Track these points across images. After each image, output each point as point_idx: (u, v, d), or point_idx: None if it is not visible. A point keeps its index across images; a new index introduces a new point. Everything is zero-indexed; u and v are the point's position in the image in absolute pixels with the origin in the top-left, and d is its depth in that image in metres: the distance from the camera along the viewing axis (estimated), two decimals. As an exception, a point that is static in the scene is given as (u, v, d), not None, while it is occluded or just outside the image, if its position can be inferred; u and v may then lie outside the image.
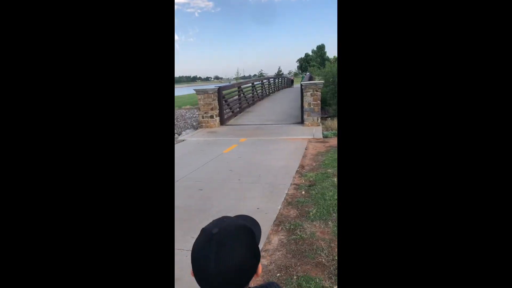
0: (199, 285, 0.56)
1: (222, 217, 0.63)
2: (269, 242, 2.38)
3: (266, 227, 2.56)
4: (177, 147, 6.06)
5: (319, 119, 7.45)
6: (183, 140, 6.76)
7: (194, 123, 14.23)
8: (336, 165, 4.05)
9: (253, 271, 0.57)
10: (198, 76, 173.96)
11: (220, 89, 8.39)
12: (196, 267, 0.55)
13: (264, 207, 2.96)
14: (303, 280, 1.93)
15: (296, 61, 66.90)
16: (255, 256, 0.58)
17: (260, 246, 2.30)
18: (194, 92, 8.78)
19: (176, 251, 2.25)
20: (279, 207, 2.96)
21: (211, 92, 8.00)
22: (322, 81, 8.08)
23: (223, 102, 8.60)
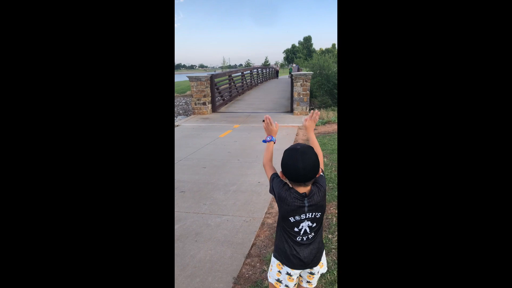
0: (290, 179, 1.08)
1: (297, 143, 1.10)
2: (272, 207, 2.77)
3: (268, 196, 2.96)
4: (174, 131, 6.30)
5: (308, 109, 7.89)
6: (178, 126, 6.98)
7: (181, 111, 14.28)
8: (324, 148, 4.50)
9: (318, 168, 1.07)
10: (182, 64, 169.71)
11: (212, 77, 8.60)
12: (288, 167, 1.05)
13: (265, 181, 3.35)
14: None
15: (283, 52, 66.84)
16: (318, 161, 1.07)
17: (266, 207, 2.70)
18: (180, 80, 8.91)
19: (193, 214, 2.60)
20: (277, 182, 3.37)
21: (204, 80, 8.20)
22: (311, 72, 8.48)
23: (215, 90, 8.82)
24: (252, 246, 2.13)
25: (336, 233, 2.17)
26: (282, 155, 1.07)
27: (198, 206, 2.75)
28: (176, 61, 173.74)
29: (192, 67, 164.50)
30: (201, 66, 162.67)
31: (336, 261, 1.88)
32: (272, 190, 1.13)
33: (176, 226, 2.41)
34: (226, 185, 3.25)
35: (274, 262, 1.19)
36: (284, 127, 6.41)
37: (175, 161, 4.16)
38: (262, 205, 2.77)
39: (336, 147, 4.56)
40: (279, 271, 1.17)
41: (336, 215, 2.43)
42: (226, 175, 3.58)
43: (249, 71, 15.06)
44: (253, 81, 15.45)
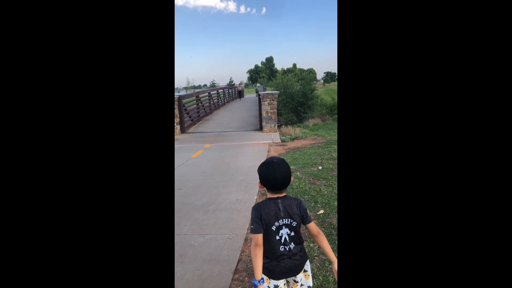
0: (268, 187, 1.23)
1: (272, 157, 1.28)
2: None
3: (247, 212, 3.02)
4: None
5: (276, 126, 8.21)
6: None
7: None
8: (296, 163, 4.72)
9: (290, 177, 1.24)
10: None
11: (180, 98, 8.60)
12: (267, 177, 1.22)
13: (242, 198, 3.42)
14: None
15: (247, 72, 68.68)
16: (290, 171, 1.25)
17: (248, 223, 2.76)
18: None
19: (175, 236, 2.57)
20: (255, 198, 3.45)
21: (172, 101, 8.17)
22: (278, 92, 8.91)
23: (184, 110, 8.81)
24: (238, 262, 2.17)
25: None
26: (257, 168, 1.24)
27: (179, 228, 2.71)
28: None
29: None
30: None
31: (320, 268, 2.00)
32: (256, 221, 1.20)
33: (158, 250, 2.36)
34: (204, 204, 3.25)
35: (263, 277, 1.22)
36: (255, 144, 6.59)
37: (149, 184, 4.05)
38: (243, 221, 2.83)
39: (307, 161, 4.81)
40: (268, 286, 1.23)
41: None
42: (203, 195, 3.58)
43: (215, 91, 15.26)
44: (220, 101, 15.65)
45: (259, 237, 1.17)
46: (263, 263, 1.19)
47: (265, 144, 6.56)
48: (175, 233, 2.61)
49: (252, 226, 1.19)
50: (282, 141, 6.98)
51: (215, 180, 4.14)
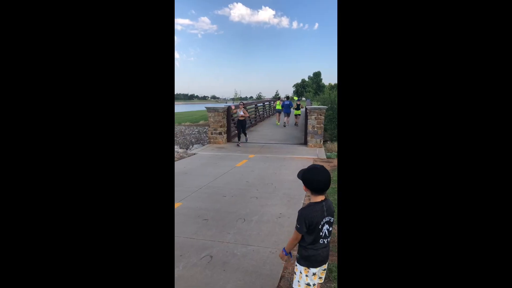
0: (313, 189, 1.40)
1: (315, 164, 1.43)
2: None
3: (291, 227, 2.94)
4: (191, 159, 6.45)
5: (322, 141, 7.99)
6: (195, 154, 7.15)
7: (193, 140, 14.66)
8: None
9: (330, 182, 1.41)
10: (195, 95, 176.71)
11: (229, 108, 8.93)
12: (311, 180, 1.40)
13: (286, 213, 3.36)
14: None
15: (293, 86, 68.88)
16: (330, 176, 1.42)
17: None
18: (194, 109, 9.32)
19: (218, 243, 2.61)
20: (298, 213, 3.36)
21: (221, 111, 8.53)
22: (326, 107, 8.72)
23: (231, 120, 9.11)
24: (281, 279, 2.10)
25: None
26: (298, 174, 1.44)
27: (222, 235, 2.75)
28: (190, 92, 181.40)
29: (204, 98, 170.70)
30: (213, 97, 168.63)
31: None
32: (302, 220, 1.41)
33: (202, 254, 2.42)
34: (247, 215, 3.26)
35: (301, 269, 1.47)
36: (299, 159, 6.48)
37: (196, 189, 4.23)
38: (286, 236, 2.76)
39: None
40: (307, 275, 1.47)
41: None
42: (246, 205, 3.60)
43: (261, 104, 15.55)
44: (265, 113, 15.88)
45: (300, 236, 1.45)
46: (306, 255, 1.45)
47: (309, 159, 6.42)
48: (219, 240, 2.65)
49: (298, 226, 1.42)
50: (328, 157, 6.75)
51: (258, 191, 4.15)
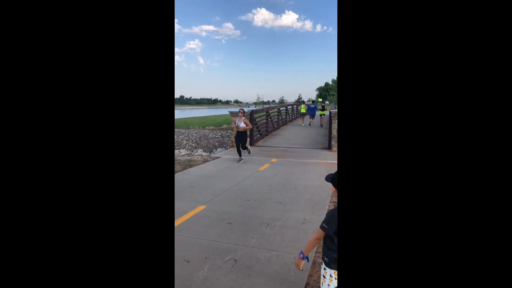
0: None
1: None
2: (321, 245, 2.69)
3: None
4: (215, 163, 6.57)
5: (346, 146, 7.79)
6: (218, 157, 7.26)
7: (216, 143, 14.91)
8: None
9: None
10: (218, 99, 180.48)
11: (252, 112, 9.00)
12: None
13: (310, 219, 3.30)
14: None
15: (316, 89, 68.02)
16: None
17: (316, 246, 2.64)
18: (217, 113, 9.46)
19: (242, 247, 2.62)
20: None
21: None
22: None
23: (254, 124, 9.17)
24: (305, 286, 2.06)
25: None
26: (327, 177, 1.50)
27: (246, 239, 2.76)
28: (213, 97, 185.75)
29: (227, 102, 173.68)
30: (236, 101, 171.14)
31: None
32: (333, 221, 1.41)
33: (227, 257, 2.43)
34: (271, 219, 3.25)
35: (331, 272, 1.47)
36: (323, 164, 6.36)
37: (219, 192, 4.28)
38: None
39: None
40: (336, 278, 1.47)
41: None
42: (269, 210, 3.58)
43: (284, 108, 15.49)
44: (288, 117, 15.79)
45: (323, 235, 1.47)
46: (335, 257, 1.44)
47: (333, 164, 6.27)
48: (242, 244, 2.66)
49: (325, 225, 1.43)
50: (353, 162, 6.56)
51: (281, 196, 4.12)
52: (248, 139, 6.73)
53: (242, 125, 6.51)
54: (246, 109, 9.39)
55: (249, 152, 6.89)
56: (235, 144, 7.03)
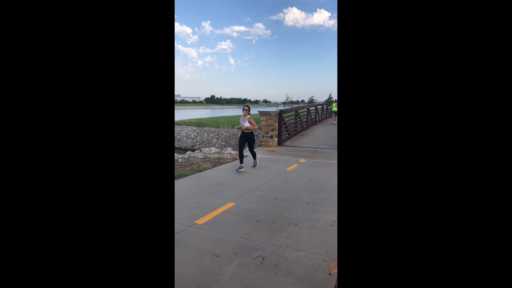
0: None
1: None
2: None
3: (345, 237, 2.83)
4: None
5: (379, 148, 7.48)
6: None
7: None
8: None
9: None
10: (248, 99, 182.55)
11: (281, 112, 8.98)
12: None
13: (339, 221, 3.23)
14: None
15: (347, 89, 65.58)
16: None
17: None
18: (257, 113, 9.55)
19: (270, 245, 2.64)
20: (353, 223, 3.20)
21: (273, 115, 8.62)
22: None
23: (282, 124, 9.14)
24: (334, 289, 2.04)
25: None
26: None
27: (274, 238, 2.78)
28: (243, 96, 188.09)
29: (256, 102, 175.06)
30: (265, 101, 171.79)
31: None
32: None
33: (255, 255, 2.48)
34: (299, 220, 3.23)
35: None
36: (354, 166, 6.16)
37: (248, 190, 4.35)
38: (340, 246, 2.66)
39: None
40: None
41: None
42: (298, 210, 3.57)
43: (314, 107, 15.24)
44: (317, 117, 15.51)
45: None
46: None
47: (365, 166, 6.05)
48: (270, 242, 2.68)
49: None
50: (386, 165, 6.28)
51: (310, 197, 4.07)
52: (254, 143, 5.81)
53: (246, 124, 5.56)
54: (274, 109, 9.39)
55: (254, 165, 5.86)
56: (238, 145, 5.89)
